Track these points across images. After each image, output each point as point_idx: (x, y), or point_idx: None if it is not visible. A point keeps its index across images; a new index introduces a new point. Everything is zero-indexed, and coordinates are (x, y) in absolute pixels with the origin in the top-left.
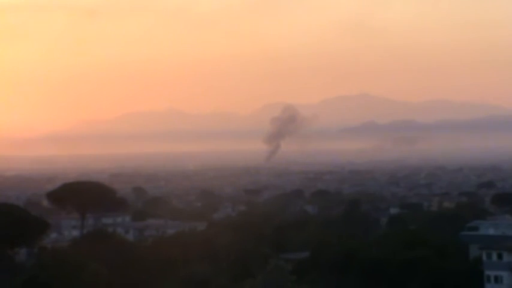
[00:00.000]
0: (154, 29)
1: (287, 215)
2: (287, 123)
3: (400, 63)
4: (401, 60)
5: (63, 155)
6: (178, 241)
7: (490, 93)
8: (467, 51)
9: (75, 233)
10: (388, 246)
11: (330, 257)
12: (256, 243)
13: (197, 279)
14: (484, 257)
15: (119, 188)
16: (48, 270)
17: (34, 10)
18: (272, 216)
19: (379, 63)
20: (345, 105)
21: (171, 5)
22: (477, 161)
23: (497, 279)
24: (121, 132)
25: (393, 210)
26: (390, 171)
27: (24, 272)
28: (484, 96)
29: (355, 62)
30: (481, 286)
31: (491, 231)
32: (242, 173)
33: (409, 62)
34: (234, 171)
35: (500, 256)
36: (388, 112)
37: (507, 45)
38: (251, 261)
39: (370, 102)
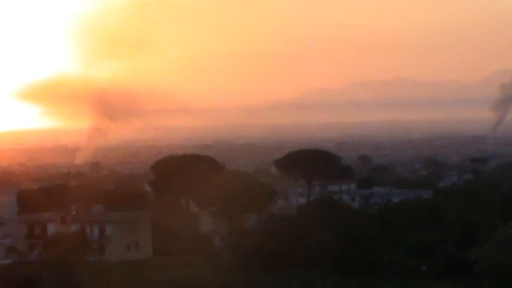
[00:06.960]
0: None
1: None
2: None
3: None
4: None
5: (291, 123)
6: (404, 209)
7: None
8: None
9: (302, 200)
10: None
11: None
12: (483, 212)
13: (423, 247)
14: None
15: (344, 156)
16: (276, 236)
17: None
18: (499, 185)
19: None
20: None
21: None
22: None
23: None
24: (348, 101)
25: None
26: None
27: (253, 237)
28: None
29: None
30: None
31: None
32: (468, 142)
33: None
34: (460, 140)
35: None
36: None
37: None
38: (478, 230)
39: None
